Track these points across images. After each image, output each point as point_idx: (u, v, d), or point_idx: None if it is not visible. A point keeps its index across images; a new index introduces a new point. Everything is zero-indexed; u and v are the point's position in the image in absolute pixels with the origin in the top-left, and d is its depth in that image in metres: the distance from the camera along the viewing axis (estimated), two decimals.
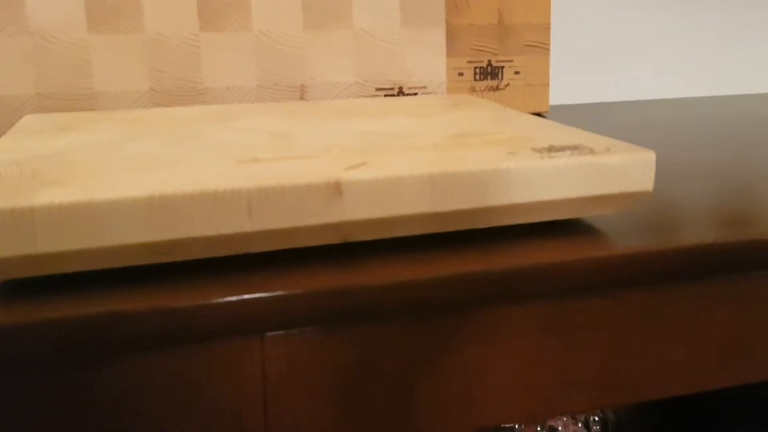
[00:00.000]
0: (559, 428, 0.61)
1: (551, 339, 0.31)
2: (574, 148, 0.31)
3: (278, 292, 0.27)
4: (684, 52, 0.78)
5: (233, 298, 0.26)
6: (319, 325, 0.28)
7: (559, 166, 0.30)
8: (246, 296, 0.26)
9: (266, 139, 0.34)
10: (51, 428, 0.26)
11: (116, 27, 0.48)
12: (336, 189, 0.27)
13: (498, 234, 0.32)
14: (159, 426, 0.27)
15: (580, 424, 0.61)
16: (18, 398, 0.26)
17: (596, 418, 0.62)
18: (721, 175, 0.43)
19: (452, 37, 0.57)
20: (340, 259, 0.29)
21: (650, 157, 0.31)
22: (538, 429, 0.61)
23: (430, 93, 0.55)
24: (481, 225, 0.30)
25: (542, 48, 0.60)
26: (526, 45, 0.59)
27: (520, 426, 0.60)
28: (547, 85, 0.60)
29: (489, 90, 0.59)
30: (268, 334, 0.28)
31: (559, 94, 0.74)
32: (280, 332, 0.28)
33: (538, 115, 0.61)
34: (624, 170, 0.30)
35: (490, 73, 0.58)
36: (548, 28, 0.59)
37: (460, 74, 0.57)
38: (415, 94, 0.55)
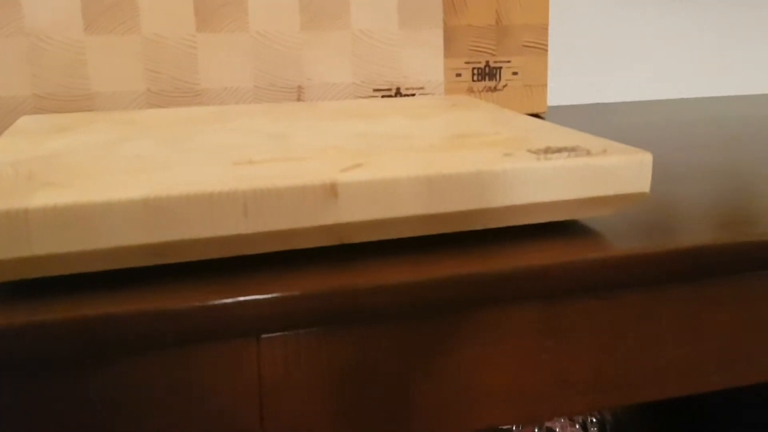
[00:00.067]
0: (557, 429, 0.61)
1: (548, 340, 0.31)
2: (571, 150, 0.31)
3: (274, 294, 0.27)
4: (683, 52, 0.78)
5: (229, 300, 0.26)
6: (315, 326, 0.28)
7: (556, 167, 0.30)
8: (242, 298, 0.26)
9: (262, 141, 0.34)
10: (46, 430, 0.26)
11: (112, 28, 0.48)
12: (332, 191, 0.27)
13: (495, 235, 0.32)
14: (155, 428, 0.27)
15: (577, 426, 0.61)
16: (12, 399, 0.26)
17: (594, 420, 0.62)
18: (719, 175, 0.43)
19: (450, 37, 0.56)
20: (336, 261, 0.29)
21: (647, 158, 0.31)
22: (536, 430, 0.61)
23: (427, 94, 0.55)
24: (478, 226, 0.30)
25: (540, 48, 0.59)
26: (524, 45, 0.59)
27: (517, 427, 0.60)
28: (545, 85, 0.60)
29: (487, 91, 0.59)
30: (264, 336, 0.28)
31: (557, 95, 0.74)
32: (276, 334, 0.28)
33: (536, 116, 0.61)
34: (620, 172, 0.30)
35: (487, 73, 0.58)
36: (546, 29, 0.59)
37: (458, 75, 0.57)
38: (413, 95, 0.55)
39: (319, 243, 0.29)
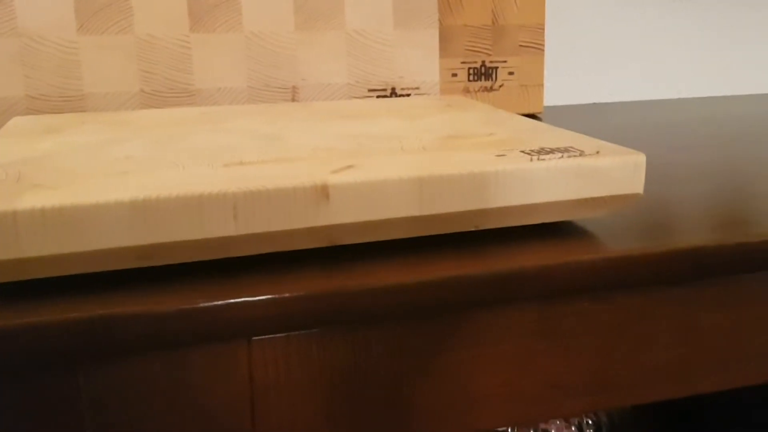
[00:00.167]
0: (552, 431, 0.60)
1: (542, 342, 0.31)
2: (564, 151, 0.31)
3: (265, 296, 0.26)
4: (680, 52, 0.77)
5: (219, 303, 0.26)
6: (307, 329, 0.28)
7: (549, 168, 0.29)
8: (232, 300, 0.26)
9: (254, 142, 0.34)
10: (37, 430, 0.26)
11: (106, 28, 0.47)
12: (323, 192, 0.27)
13: (488, 237, 0.32)
14: (146, 430, 0.27)
15: (573, 428, 0.61)
16: (4, 401, 0.26)
17: (590, 422, 0.62)
18: (715, 176, 0.42)
19: (446, 37, 0.56)
20: (327, 263, 0.29)
21: (640, 159, 0.31)
22: None
23: (423, 94, 0.55)
24: (471, 228, 0.30)
25: (536, 48, 0.59)
26: (520, 45, 0.59)
27: (513, 429, 0.60)
28: (542, 85, 0.60)
29: (483, 91, 0.58)
30: (255, 338, 0.27)
31: (554, 95, 0.74)
32: (267, 336, 0.28)
33: (533, 116, 0.61)
34: (614, 173, 0.30)
35: (483, 73, 0.58)
36: (542, 29, 0.59)
37: (454, 75, 0.57)
38: (408, 95, 0.55)
39: (310, 245, 0.28)
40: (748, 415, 0.61)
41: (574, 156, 0.30)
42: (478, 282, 0.29)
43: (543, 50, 0.59)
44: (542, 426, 0.60)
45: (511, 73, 0.59)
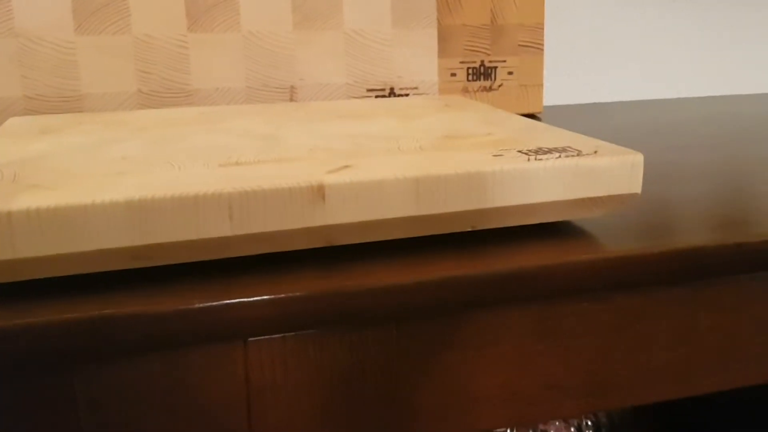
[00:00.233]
0: None
1: (540, 343, 0.31)
2: (562, 150, 0.31)
3: (261, 297, 0.26)
4: (680, 52, 0.77)
5: (215, 303, 0.26)
6: (303, 330, 0.28)
7: (546, 168, 0.29)
8: (228, 301, 0.26)
9: (251, 142, 0.34)
10: (34, 430, 0.26)
11: (103, 28, 0.47)
12: (319, 192, 0.27)
13: (486, 237, 0.32)
14: (143, 431, 0.27)
15: (572, 429, 0.60)
16: (0, 401, 0.26)
17: (589, 422, 0.61)
18: (714, 176, 0.42)
19: (444, 37, 0.56)
20: (324, 264, 0.29)
21: (638, 159, 0.30)
22: None
23: (421, 94, 0.55)
24: (468, 228, 0.30)
25: (536, 48, 0.59)
26: (519, 45, 0.59)
27: (512, 430, 0.60)
28: (541, 85, 0.60)
29: (482, 90, 0.58)
30: (251, 339, 0.27)
31: (553, 95, 0.74)
32: (264, 337, 0.28)
33: (532, 116, 0.61)
34: (611, 172, 0.30)
35: (483, 73, 0.58)
36: (542, 28, 0.59)
37: (453, 75, 0.57)
38: (407, 95, 0.55)
39: (306, 245, 0.28)
40: (749, 415, 0.61)
41: (572, 156, 0.30)
42: (476, 282, 0.28)
43: (542, 50, 0.59)
44: (541, 427, 0.60)
45: (510, 73, 0.59)
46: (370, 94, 0.54)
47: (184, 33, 0.49)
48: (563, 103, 0.74)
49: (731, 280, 0.33)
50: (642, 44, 0.76)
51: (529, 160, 0.30)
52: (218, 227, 0.26)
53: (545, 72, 0.73)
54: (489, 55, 0.58)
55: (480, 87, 0.58)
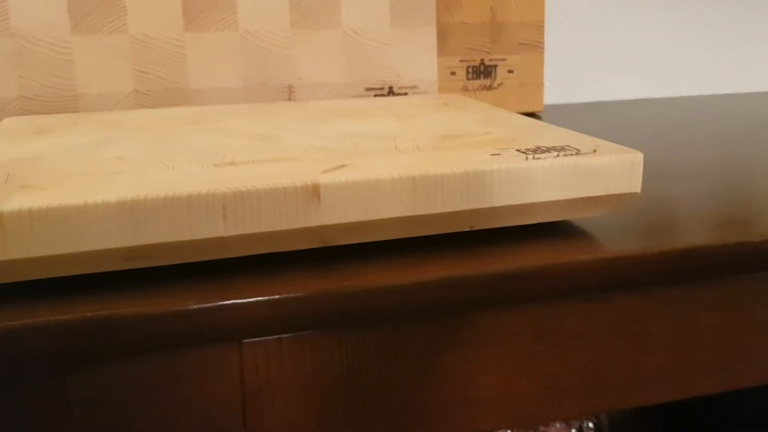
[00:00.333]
0: None
1: (538, 344, 0.31)
2: (561, 149, 0.31)
3: (256, 298, 0.26)
4: (680, 51, 0.77)
5: (210, 304, 0.26)
6: (298, 331, 0.28)
7: (544, 167, 0.29)
8: (223, 302, 0.26)
9: (247, 142, 0.33)
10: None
11: (100, 28, 0.47)
12: (314, 192, 0.27)
13: (484, 237, 0.32)
14: None
15: (573, 430, 0.60)
16: None
17: (590, 424, 0.61)
18: (713, 175, 0.42)
19: (444, 35, 0.56)
20: (320, 264, 0.29)
21: (638, 158, 0.30)
22: None
23: (421, 93, 0.55)
24: (466, 228, 0.30)
25: (536, 46, 0.59)
26: (519, 43, 0.58)
27: None
28: (542, 84, 0.60)
29: (482, 89, 0.58)
30: (246, 340, 0.27)
31: (554, 94, 0.74)
32: (259, 339, 0.27)
33: (533, 114, 0.61)
34: (611, 171, 0.30)
35: (482, 72, 0.58)
36: (542, 26, 0.59)
37: (453, 73, 0.57)
38: (406, 93, 0.54)
39: (301, 245, 0.28)
40: (748, 415, 0.61)
41: (570, 155, 0.30)
42: (474, 283, 0.28)
43: (543, 48, 0.59)
44: (542, 428, 0.60)
45: (510, 72, 0.59)
46: (368, 93, 0.53)
47: (180, 32, 0.49)
48: (564, 102, 0.74)
49: (731, 280, 0.33)
50: (642, 43, 0.75)
51: (527, 159, 0.29)
52: (212, 228, 0.26)
53: (546, 70, 0.72)
54: (489, 53, 0.58)
55: (480, 86, 0.58)
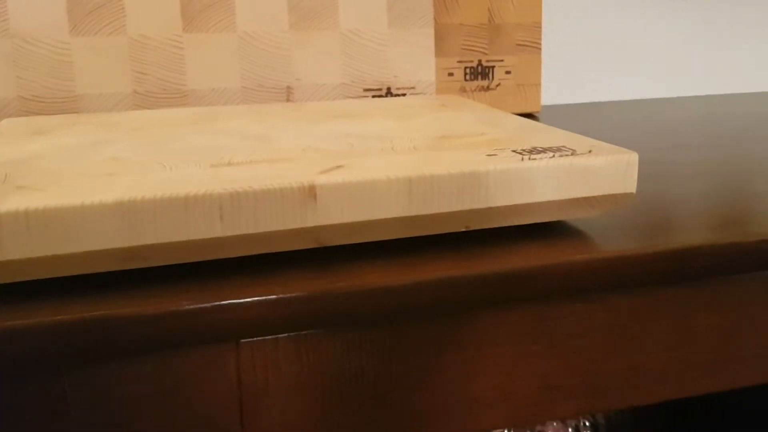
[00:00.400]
0: None
1: (535, 344, 0.31)
2: (557, 150, 0.31)
3: (253, 299, 0.26)
4: (679, 51, 0.77)
5: (207, 305, 0.26)
6: (295, 331, 0.28)
7: (540, 167, 0.29)
8: (220, 302, 0.26)
9: (244, 142, 0.33)
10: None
11: (98, 29, 0.47)
12: (310, 193, 0.27)
13: (480, 237, 0.32)
14: None
15: (570, 430, 0.60)
16: None
17: (587, 423, 0.61)
18: (712, 175, 0.42)
19: (441, 36, 0.56)
20: (317, 264, 0.29)
21: (633, 158, 0.30)
22: None
23: (418, 94, 0.55)
24: (462, 228, 0.30)
25: (534, 47, 0.59)
26: (517, 44, 0.58)
27: (508, 431, 0.60)
28: (539, 85, 0.60)
29: (480, 90, 0.58)
30: (243, 341, 0.27)
31: (553, 94, 0.74)
32: (256, 339, 0.27)
33: (530, 115, 0.61)
34: (606, 172, 0.30)
35: (480, 73, 0.58)
36: (539, 27, 0.59)
37: (450, 74, 0.57)
38: (404, 94, 0.54)
39: (298, 246, 0.28)
40: (748, 415, 0.61)
41: (566, 155, 0.30)
42: (472, 283, 0.28)
43: (540, 49, 0.59)
44: (539, 428, 0.60)
45: (508, 73, 0.59)
46: (366, 94, 0.54)
47: (179, 33, 0.49)
48: (561, 102, 0.74)
49: (729, 280, 0.33)
50: (642, 43, 0.75)
51: (523, 159, 0.29)
52: (208, 228, 0.26)
53: (545, 71, 0.72)
54: (486, 54, 0.58)
55: (477, 86, 0.58)
